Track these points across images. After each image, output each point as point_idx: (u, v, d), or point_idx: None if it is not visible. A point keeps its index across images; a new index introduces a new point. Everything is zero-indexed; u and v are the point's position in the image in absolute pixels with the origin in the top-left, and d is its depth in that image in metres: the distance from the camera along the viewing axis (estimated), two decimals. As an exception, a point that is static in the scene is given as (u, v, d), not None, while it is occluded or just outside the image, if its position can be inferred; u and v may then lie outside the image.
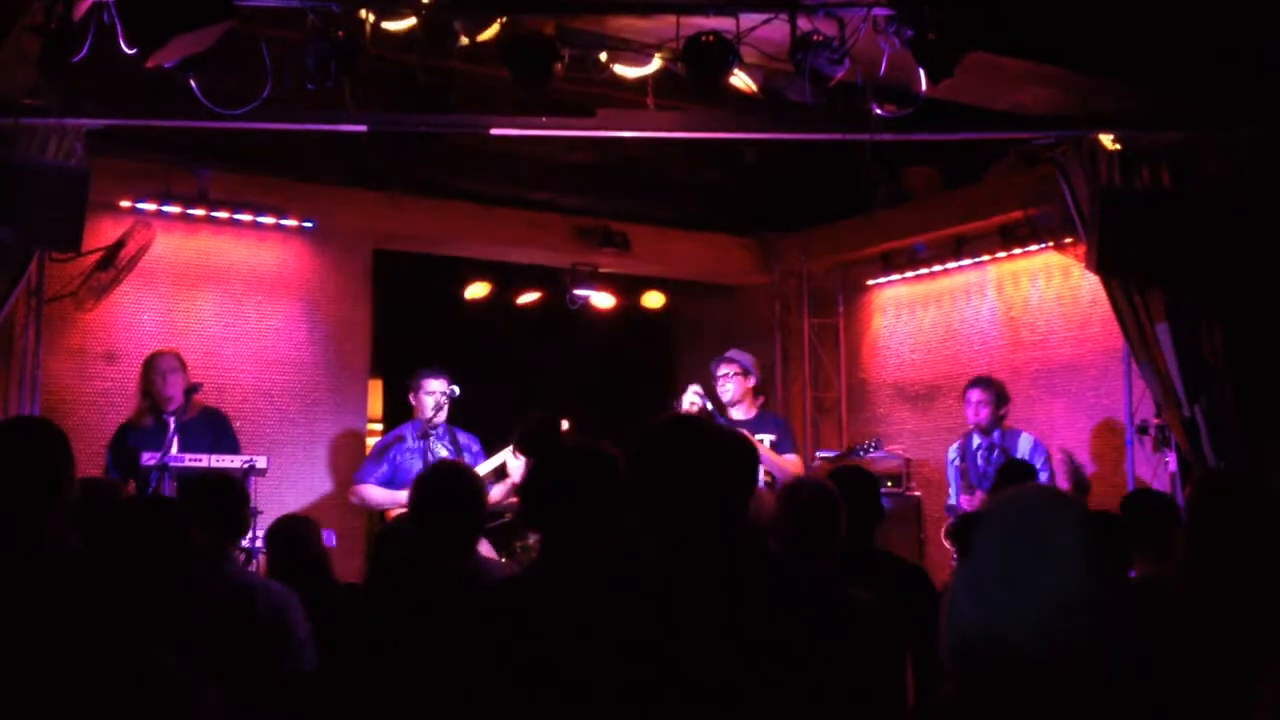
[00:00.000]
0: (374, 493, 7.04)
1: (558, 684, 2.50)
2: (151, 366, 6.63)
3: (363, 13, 5.18)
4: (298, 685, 3.63)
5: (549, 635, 2.60)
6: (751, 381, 7.25)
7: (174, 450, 6.22)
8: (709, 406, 7.11)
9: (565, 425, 6.73)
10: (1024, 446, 7.11)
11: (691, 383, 7.22)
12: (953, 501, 7.45)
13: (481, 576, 3.51)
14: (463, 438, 7.18)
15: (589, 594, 2.56)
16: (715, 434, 2.69)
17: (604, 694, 2.39)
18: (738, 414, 7.12)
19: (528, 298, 9.67)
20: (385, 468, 7.06)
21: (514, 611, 2.84)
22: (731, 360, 7.23)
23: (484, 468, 6.99)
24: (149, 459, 6.14)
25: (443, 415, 7.08)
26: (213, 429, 6.67)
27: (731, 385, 7.15)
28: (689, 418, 3.35)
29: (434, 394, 7.07)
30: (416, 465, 6.90)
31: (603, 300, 9.36)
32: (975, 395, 7.29)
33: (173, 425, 6.37)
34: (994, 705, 1.76)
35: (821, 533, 3.90)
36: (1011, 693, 1.74)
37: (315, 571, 4.77)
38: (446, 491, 3.52)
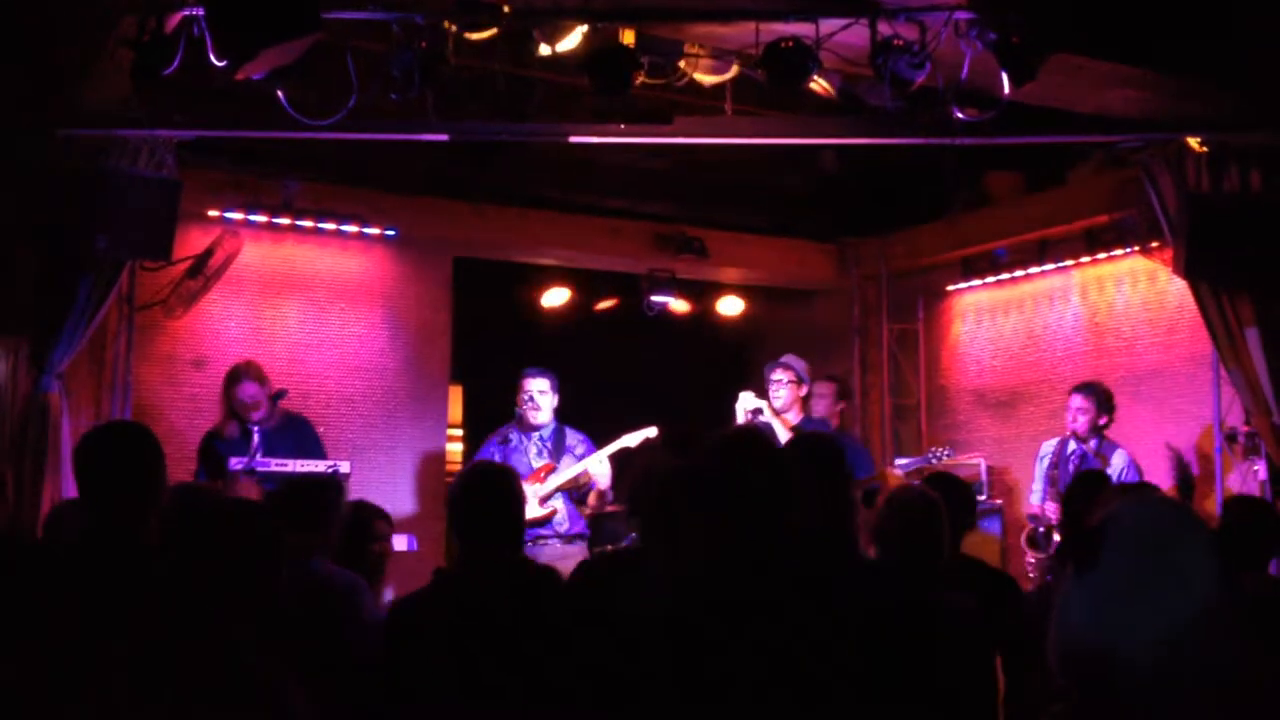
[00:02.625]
0: None
1: (624, 686, 2.53)
2: (231, 391, 6.70)
3: (445, 23, 5.24)
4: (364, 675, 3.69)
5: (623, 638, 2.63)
6: (803, 390, 7.43)
7: (258, 457, 6.35)
8: (763, 413, 7.21)
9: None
10: (1117, 463, 6.95)
11: (746, 390, 7.37)
12: (1035, 503, 7.34)
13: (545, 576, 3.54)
14: (571, 437, 7.25)
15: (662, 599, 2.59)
16: (773, 452, 2.71)
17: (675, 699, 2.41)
18: (789, 419, 7.20)
19: (605, 304, 9.71)
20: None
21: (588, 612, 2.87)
22: (788, 366, 7.38)
23: (570, 472, 7.04)
24: (236, 464, 6.27)
25: (539, 415, 7.16)
26: (295, 434, 6.78)
27: (784, 392, 7.30)
28: (745, 437, 3.35)
29: (529, 392, 7.18)
30: (521, 461, 7.01)
31: (680, 306, 9.36)
32: (1075, 401, 7.14)
33: (257, 434, 6.51)
34: None
35: (923, 541, 3.86)
36: (1127, 710, 1.70)
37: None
38: (482, 492, 3.55)
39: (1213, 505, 7.16)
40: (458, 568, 3.56)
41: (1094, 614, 1.75)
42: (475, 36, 5.38)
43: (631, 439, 7.08)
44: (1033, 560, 7.21)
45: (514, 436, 7.24)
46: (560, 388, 7.41)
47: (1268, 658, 1.76)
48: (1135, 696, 1.70)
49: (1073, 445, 7.18)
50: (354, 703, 3.60)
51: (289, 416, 6.90)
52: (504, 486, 3.56)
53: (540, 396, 7.19)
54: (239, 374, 6.73)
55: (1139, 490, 4.61)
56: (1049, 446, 7.36)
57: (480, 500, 3.49)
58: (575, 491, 7.12)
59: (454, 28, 5.18)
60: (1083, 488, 4.73)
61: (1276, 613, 3.18)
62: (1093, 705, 1.75)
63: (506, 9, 5.22)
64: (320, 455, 6.76)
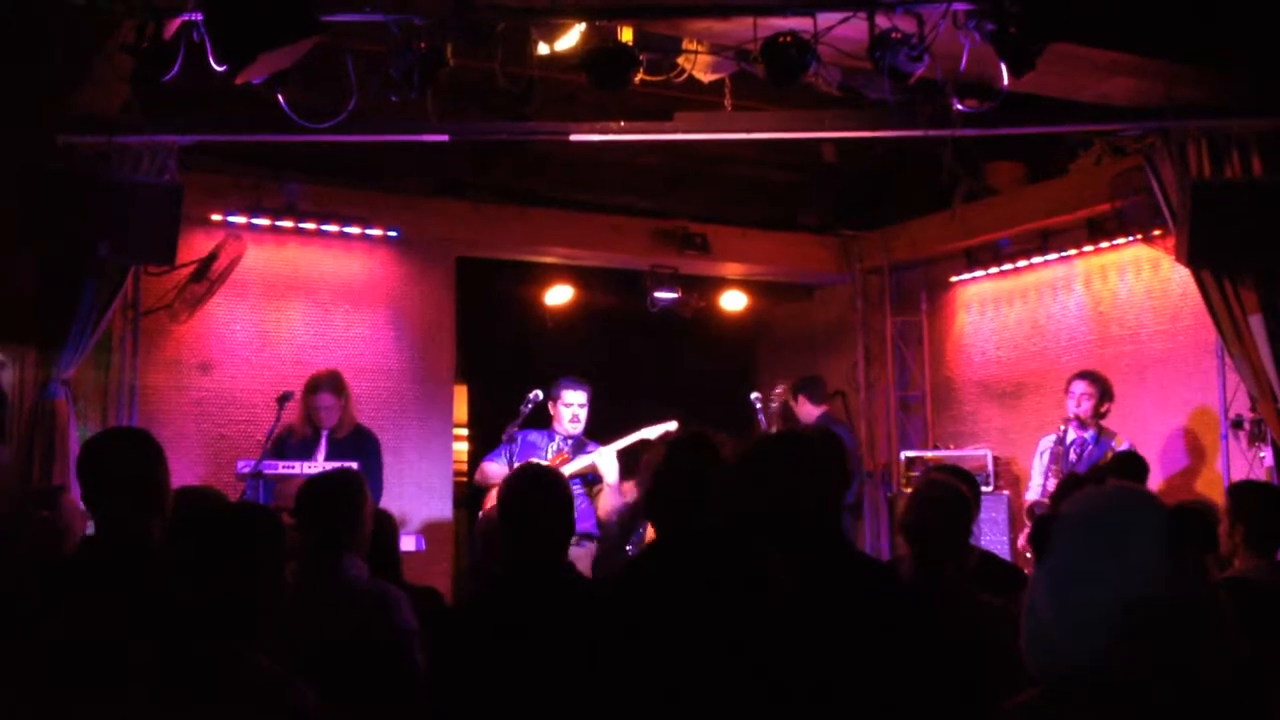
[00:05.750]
0: (492, 470, 7.15)
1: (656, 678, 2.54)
2: (309, 398, 6.83)
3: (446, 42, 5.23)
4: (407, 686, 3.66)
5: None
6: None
7: (320, 461, 6.49)
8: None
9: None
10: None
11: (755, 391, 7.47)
12: (1033, 497, 7.31)
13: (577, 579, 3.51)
14: (590, 446, 7.23)
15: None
16: (817, 448, 2.73)
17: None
18: None
19: (608, 301, 9.71)
20: (503, 460, 7.11)
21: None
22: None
23: (583, 461, 7.03)
24: (243, 466, 6.29)
25: (578, 427, 7.14)
26: (359, 447, 6.82)
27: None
28: (796, 434, 3.34)
29: (570, 406, 7.14)
30: (538, 456, 7.01)
31: (683, 302, 9.36)
32: (1080, 387, 7.12)
33: (324, 439, 6.72)
34: (1071, 708, 1.73)
35: (950, 536, 3.77)
36: (1088, 694, 1.70)
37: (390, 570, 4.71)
38: (533, 496, 3.50)
39: (1207, 488, 7.17)
40: (504, 573, 3.50)
41: (1049, 599, 1.76)
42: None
43: (650, 432, 7.07)
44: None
45: (534, 436, 7.21)
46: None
47: (1240, 642, 1.75)
48: (1090, 678, 1.70)
49: (1073, 434, 7.16)
50: (389, 707, 3.60)
51: (360, 430, 6.99)
52: (555, 491, 3.52)
53: (580, 410, 7.18)
54: (318, 384, 6.87)
55: (1101, 478, 4.59)
56: (1047, 442, 7.35)
57: (531, 504, 3.44)
58: (588, 477, 7.11)
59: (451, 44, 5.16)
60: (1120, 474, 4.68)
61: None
62: (1054, 690, 1.75)
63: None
64: (376, 469, 6.79)
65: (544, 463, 6.36)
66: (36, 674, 2.76)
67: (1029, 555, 6.93)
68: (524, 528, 3.40)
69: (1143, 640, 1.68)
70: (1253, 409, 6.78)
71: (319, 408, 6.79)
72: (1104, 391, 7.13)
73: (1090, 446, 7.04)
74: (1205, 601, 1.72)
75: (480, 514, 7.22)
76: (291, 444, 6.72)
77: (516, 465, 6.87)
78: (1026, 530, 7.20)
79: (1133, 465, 6.10)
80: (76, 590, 2.95)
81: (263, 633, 2.57)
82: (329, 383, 6.87)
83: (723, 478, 3.25)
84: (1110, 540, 1.73)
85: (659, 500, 3.28)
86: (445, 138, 6.51)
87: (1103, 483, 1.90)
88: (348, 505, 3.93)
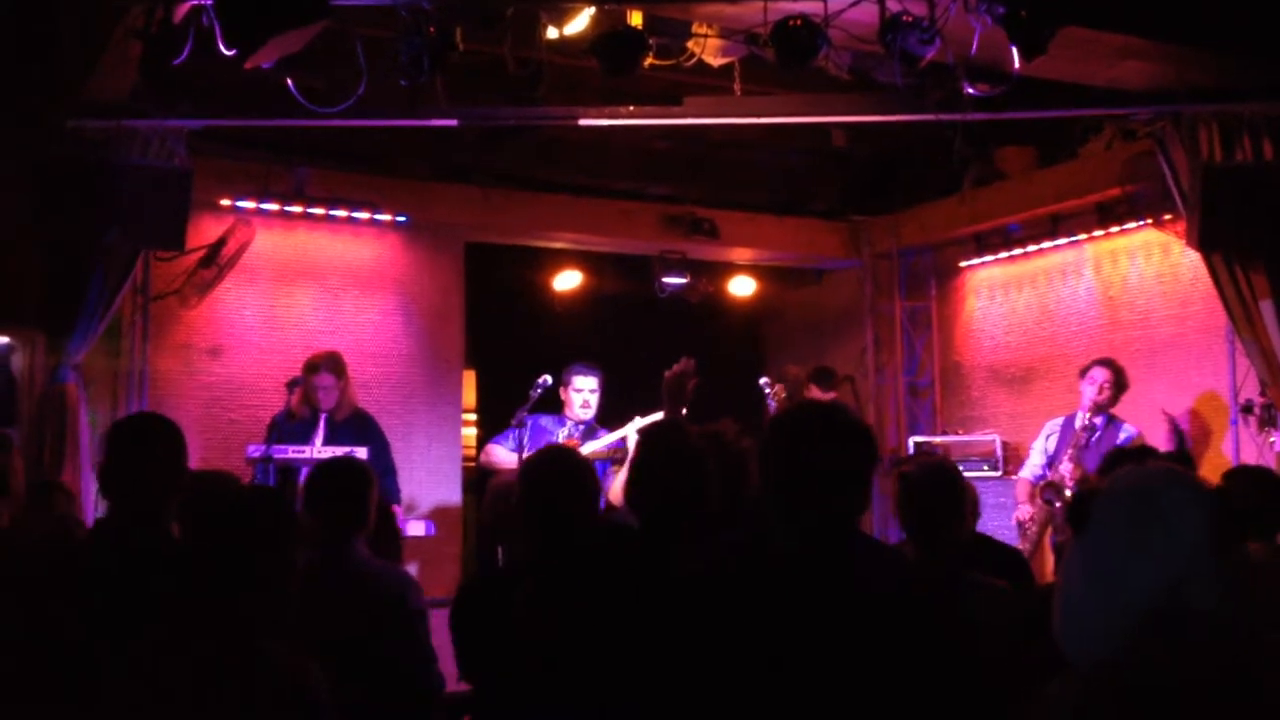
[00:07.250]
0: (499, 453, 7.11)
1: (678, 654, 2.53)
2: (309, 379, 6.79)
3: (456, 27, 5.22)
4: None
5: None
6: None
7: (319, 445, 6.49)
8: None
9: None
10: (1124, 438, 6.94)
11: (764, 376, 7.37)
12: (1026, 476, 7.28)
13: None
14: (600, 432, 7.20)
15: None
16: (854, 425, 2.70)
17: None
18: None
19: (617, 286, 9.70)
20: (511, 444, 7.03)
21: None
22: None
23: (599, 443, 6.99)
24: (253, 451, 6.29)
25: (589, 412, 7.11)
26: (361, 428, 6.82)
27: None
28: (827, 406, 3.30)
29: (581, 392, 7.10)
30: (548, 441, 6.95)
31: (691, 287, 9.34)
32: (1102, 375, 7.05)
33: (323, 422, 6.69)
34: (1107, 695, 1.71)
35: (940, 518, 3.74)
36: (1124, 680, 1.68)
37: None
38: (554, 476, 3.49)
39: (1215, 474, 7.14)
40: (533, 555, 3.49)
41: (1085, 581, 1.72)
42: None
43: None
44: (1028, 516, 7.11)
45: (545, 420, 7.18)
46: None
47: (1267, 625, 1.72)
48: (1127, 663, 1.67)
49: (1083, 419, 7.12)
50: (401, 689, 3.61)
51: (359, 413, 6.97)
52: (575, 473, 3.51)
53: (592, 395, 7.13)
54: (317, 364, 6.83)
55: (1141, 457, 4.54)
56: (1054, 424, 7.31)
57: (551, 487, 3.43)
58: (616, 457, 7.05)
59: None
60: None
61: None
62: (1087, 677, 1.71)
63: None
64: (382, 450, 6.79)
65: (560, 444, 6.30)
66: (46, 661, 2.77)
67: (1030, 530, 6.89)
68: (549, 513, 3.38)
69: (1183, 624, 1.64)
70: (1262, 394, 6.77)
71: (318, 388, 6.74)
72: (1122, 380, 7.11)
73: (1100, 431, 7.02)
74: (1246, 585, 1.68)
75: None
76: (289, 427, 6.67)
77: (529, 450, 6.87)
78: (1031, 509, 7.14)
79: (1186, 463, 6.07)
80: (90, 574, 2.96)
81: (277, 616, 2.58)
82: (328, 363, 6.84)
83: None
84: (1155, 520, 1.68)
85: (636, 489, 3.29)
86: (454, 122, 6.51)
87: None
88: (357, 489, 3.99)
